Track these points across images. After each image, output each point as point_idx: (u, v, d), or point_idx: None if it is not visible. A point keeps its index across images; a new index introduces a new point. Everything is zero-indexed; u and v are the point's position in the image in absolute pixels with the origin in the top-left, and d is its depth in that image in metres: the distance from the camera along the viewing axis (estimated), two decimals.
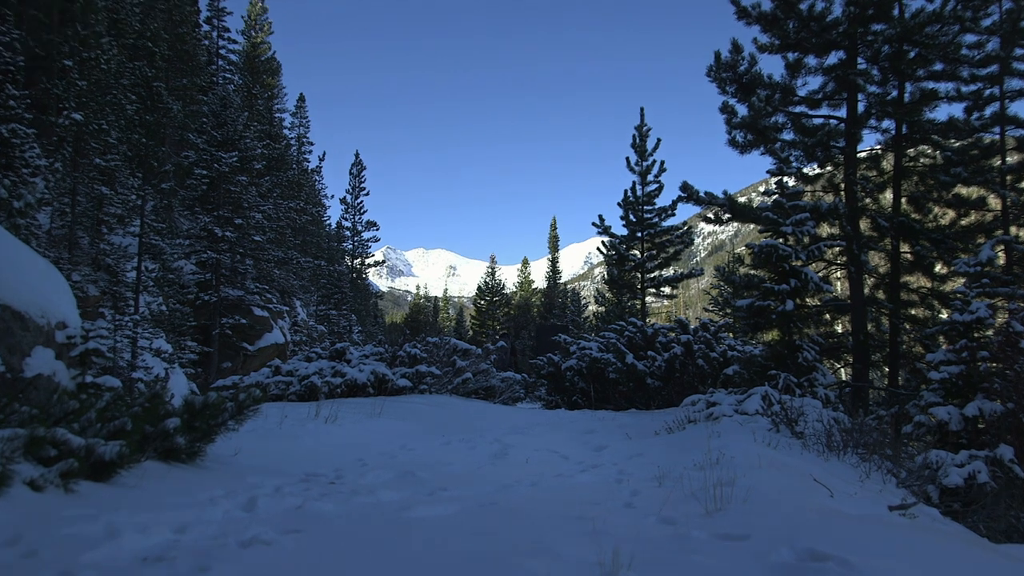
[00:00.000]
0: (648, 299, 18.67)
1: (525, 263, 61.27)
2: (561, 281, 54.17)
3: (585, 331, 33.55)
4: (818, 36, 8.94)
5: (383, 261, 46.77)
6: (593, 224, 18.96)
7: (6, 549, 2.06)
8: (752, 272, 9.66)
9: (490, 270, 50.91)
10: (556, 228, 55.31)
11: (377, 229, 41.38)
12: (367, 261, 43.46)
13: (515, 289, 61.44)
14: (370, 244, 41.96)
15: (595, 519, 2.61)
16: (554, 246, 54.12)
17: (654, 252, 17.80)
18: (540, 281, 62.11)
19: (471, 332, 55.42)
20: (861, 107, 9.06)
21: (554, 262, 53.43)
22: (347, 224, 41.34)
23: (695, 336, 10.26)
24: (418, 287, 78.28)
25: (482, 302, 51.00)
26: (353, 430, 5.94)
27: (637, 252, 18.86)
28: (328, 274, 31.87)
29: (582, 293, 44.25)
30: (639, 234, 18.47)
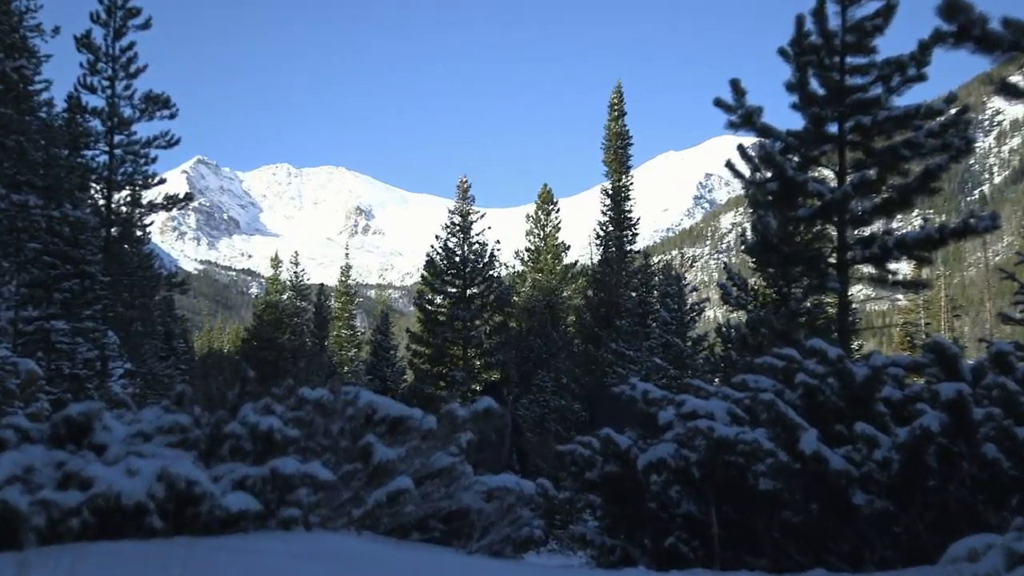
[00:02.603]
0: (856, 291, 18.63)
1: (546, 201, 61.44)
2: (636, 248, 54.27)
3: (694, 372, 33.42)
4: None
5: (188, 197, 46.81)
6: (716, 103, 18.90)
7: None
8: None
9: (457, 220, 51.02)
10: (623, 111, 55.29)
11: (172, 115, 41.46)
12: (145, 195, 43.39)
13: (521, 264, 61.59)
14: (153, 152, 41.94)
15: None
16: (617, 157, 54.14)
17: (872, 173, 17.76)
18: (581, 246, 61.92)
19: (410, 372, 55.48)
20: None
21: (619, 199, 53.53)
22: (96, 103, 41.31)
23: (976, 386, 10.19)
24: (276, 260, 78.08)
25: (437, 299, 51.17)
26: None
27: (828, 171, 18.80)
28: (48, 228, 31.82)
29: (689, 276, 44.19)
30: (832, 127, 18.40)
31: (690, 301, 40.82)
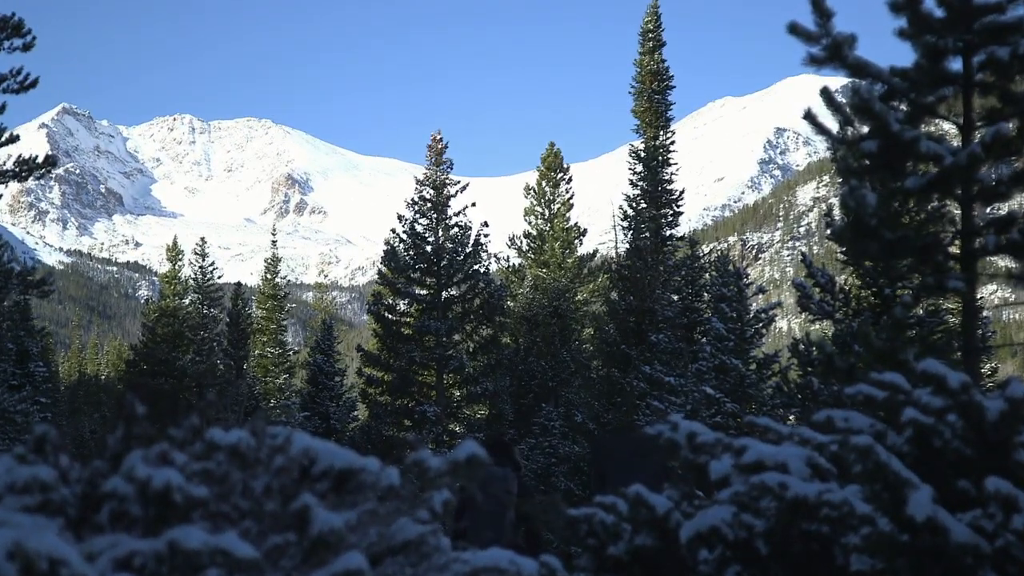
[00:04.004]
0: (988, 293, 18.68)
1: (553, 167, 61.59)
2: (680, 232, 54.32)
3: (760, 406, 33.36)
4: None
5: (50, 161, 46.68)
6: (791, 30, 18.97)
7: None
8: None
9: (428, 193, 50.91)
10: (660, 41, 55.34)
11: (26, 45, 41.53)
12: None
13: (519, 256, 61.65)
14: (0, 98, 41.93)
15: None
16: (652, 105, 54.17)
17: (1011, 126, 17.81)
18: (601, 229, 61.71)
19: (363, 407, 55.45)
20: None
21: (655, 164, 53.51)
22: None
23: None
24: (175, 250, 78.13)
25: (400, 304, 51.08)
26: None
27: (949, 125, 18.84)
28: None
29: (753, 272, 44.22)
30: (954, 63, 18.49)
31: (755, 307, 40.71)
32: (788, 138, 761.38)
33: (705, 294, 44.51)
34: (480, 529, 16.44)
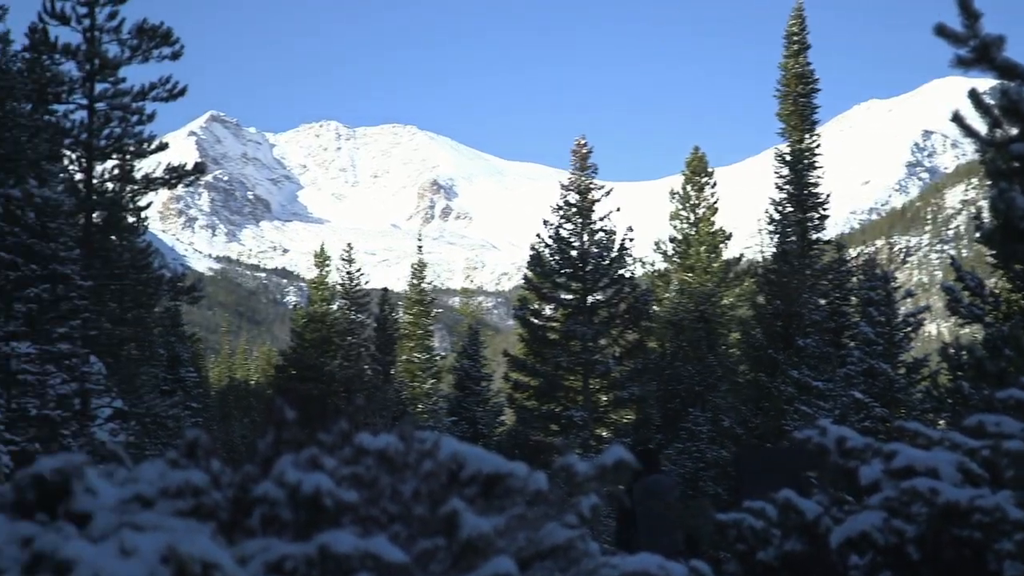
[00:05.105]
0: None
1: (698, 171, 61.38)
2: (826, 236, 53.73)
3: (910, 411, 32.92)
4: None
5: (199, 169, 47.02)
6: (939, 32, 18.55)
7: None
8: None
9: (573, 198, 50.68)
10: (805, 44, 55.24)
11: (175, 54, 41.93)
12: (139, 166, 43.51)
13: (664, 260, 61.33)
14: (150, 106, 42.33)
15: None
16: (797, 108, 53.74)
17: None
18: (747, 233, 61.22)
19: (510, 412, 55.38)
20: None
21: (800, 167, 53.03)
22: (70, 38, 41.65)
23: None
24: (322, 256, 78.57)
25: (546, 309, 50.88)
26: None
27: None
28: (5, 213, 32.07)
29: (901, 276, 43.65)
30: None
31: (903, 311, 40.07)
32: (935, 140, 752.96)
33: (852, 298, 43.98)
34: (654, 536, 16.53)
